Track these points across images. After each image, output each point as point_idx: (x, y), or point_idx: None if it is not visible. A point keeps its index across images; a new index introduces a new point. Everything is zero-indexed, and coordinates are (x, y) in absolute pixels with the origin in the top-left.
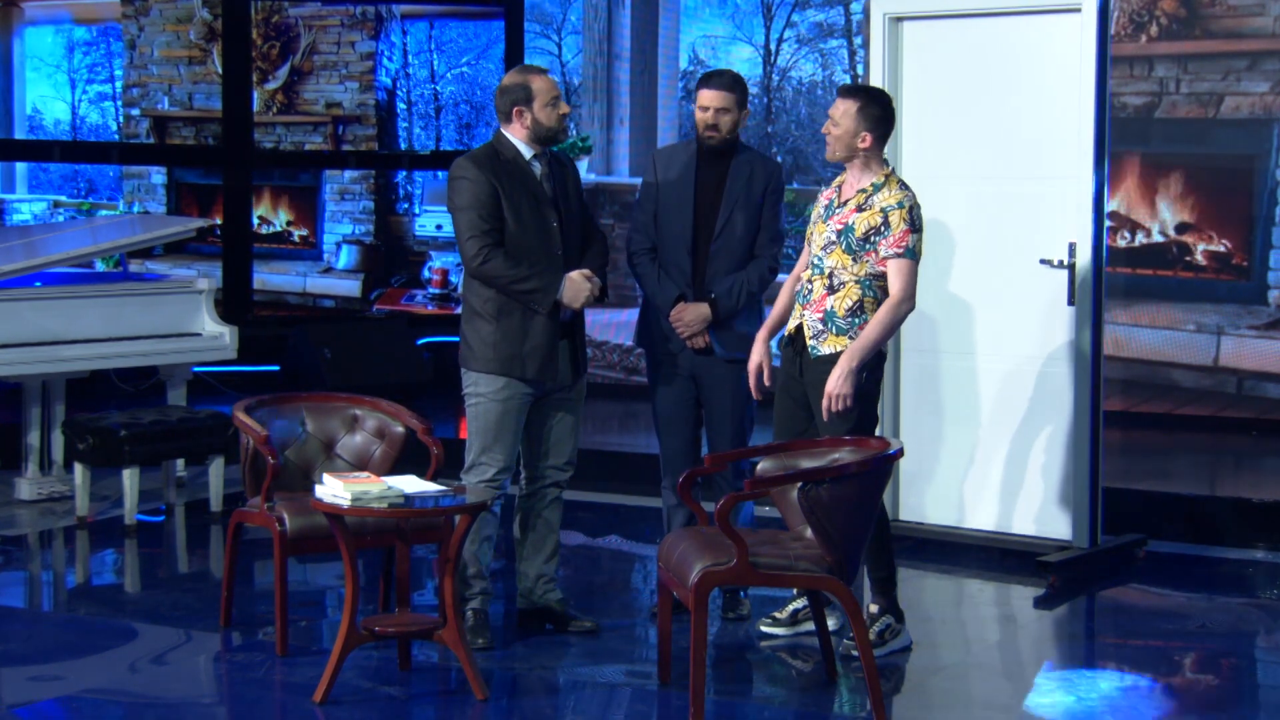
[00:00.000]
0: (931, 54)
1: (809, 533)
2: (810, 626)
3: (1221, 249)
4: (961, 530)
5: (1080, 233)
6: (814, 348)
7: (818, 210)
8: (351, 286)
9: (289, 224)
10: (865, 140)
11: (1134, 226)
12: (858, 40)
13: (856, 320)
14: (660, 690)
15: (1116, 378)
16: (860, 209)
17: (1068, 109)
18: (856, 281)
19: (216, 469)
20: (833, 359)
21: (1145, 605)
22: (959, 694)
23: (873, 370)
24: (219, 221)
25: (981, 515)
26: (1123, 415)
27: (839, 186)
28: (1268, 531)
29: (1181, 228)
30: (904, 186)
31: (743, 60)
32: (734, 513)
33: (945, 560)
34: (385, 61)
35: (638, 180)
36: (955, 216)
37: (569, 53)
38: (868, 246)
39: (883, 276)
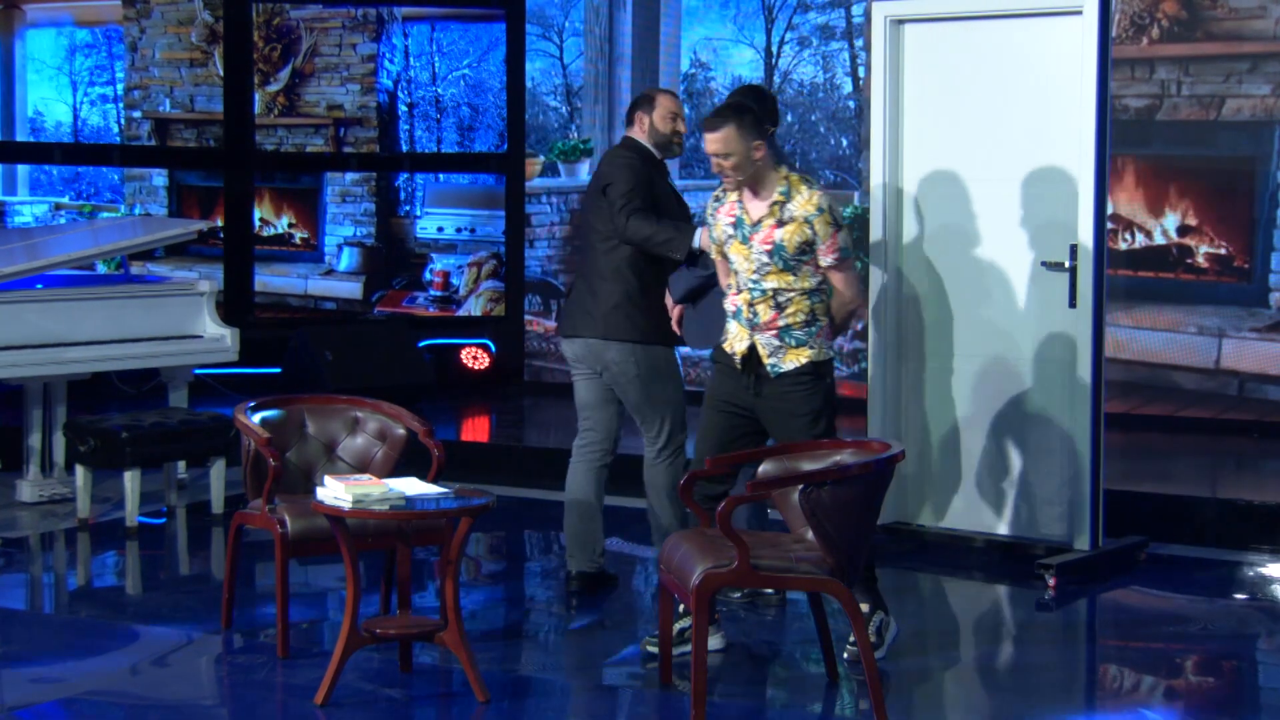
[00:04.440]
0: (933, 56)
1: (810, 535)
2: (688, 648)
3: (1223, 251)
4: (963, 532)
5: (1081, 235)
6: (774, 365)
7: (720, 229)
8: (353, 289)
9: (290, 226)
10: (759, 150)
11: (1135, 229)
12: (859, 43)
13: (813, 329)
14: (662, 692)
15: (1118, 380)
16: (781, 223)
17: (1069, 111)
18: (802, 294)
19: (218, 471)
20: (796, 373)
21: (1146, 608)
22: (961, 697)
23: (833, 376)
24: (220, 224)
25: (982, 517)
26: (1124, 417)
27: (738, 202)
28: (1269, 534)
29: (1183, 230)
30: (809, 184)
31: (744, 63)
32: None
33: (946, 563)
34: (386, 64)
35: None
36: (956, 219)
37: (570, 55)
38: (804, 259)
39: (824, 283)
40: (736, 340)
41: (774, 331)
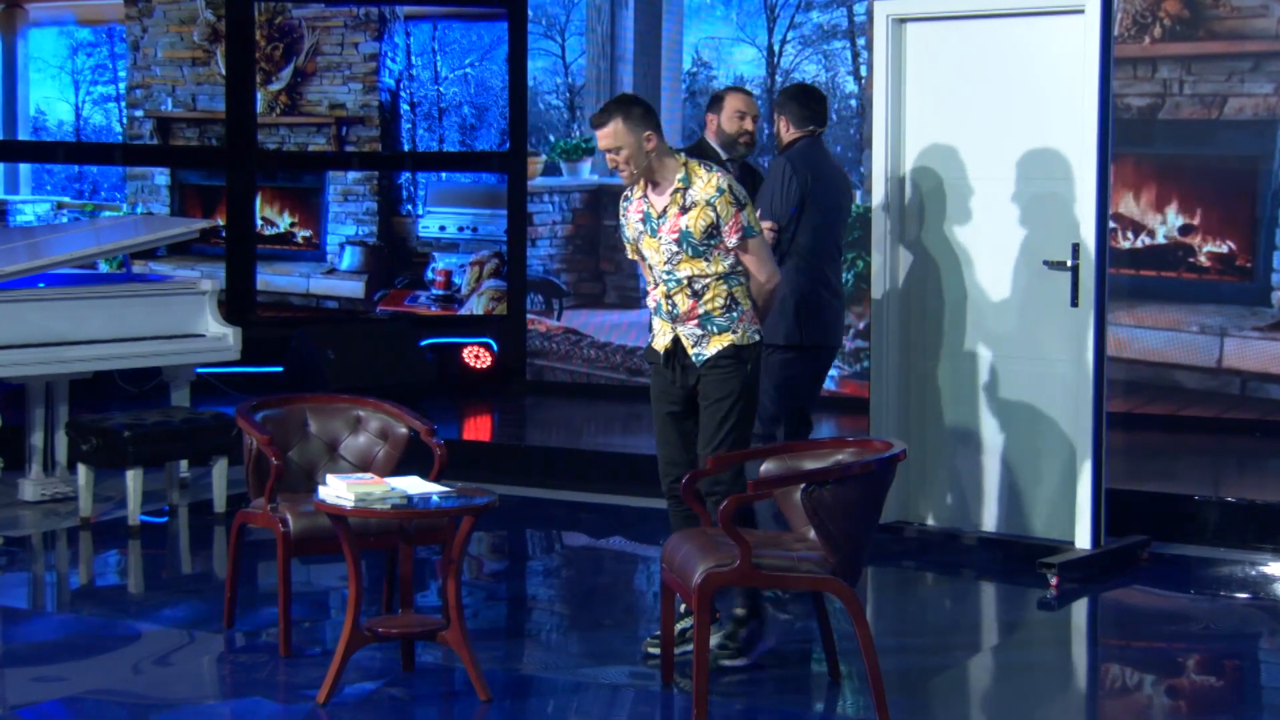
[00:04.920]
0: (935, 55)
1: (812, 534)
2: (689, 648)
3: (1225, 250)
4: (964, 531)
5: (1084, 234)
6: (699, 354)
7: (632, 227)
8: (355, 288)
9: (292, 225)
10: (651, 141)
11: (1137, 228)
12: (861, 42)
13: (734, 313)
14: (663, 691)
15: (1120, 379)
16: (685, 210)
17: (1071, 110)
18: (719, 279)
19: (220, 470)
20: (717, 356)
21: (1149, 607)
22: (962, 696)
23: (758, 363)
24: (222, 222)
25: (985, 516)
26: (1126, 417)
27: (644, 197)
28: (1271, 533)
29: (1185, 229)
30: (708, 168)
31: (746, 62)
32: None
33: (948, 561)
34: (388, 63)
35: None
36: (959, 218)
37: (572, 54)
38: (713, 243)
39: (738, 265)
40: (660, 335)
41: (695, 321)
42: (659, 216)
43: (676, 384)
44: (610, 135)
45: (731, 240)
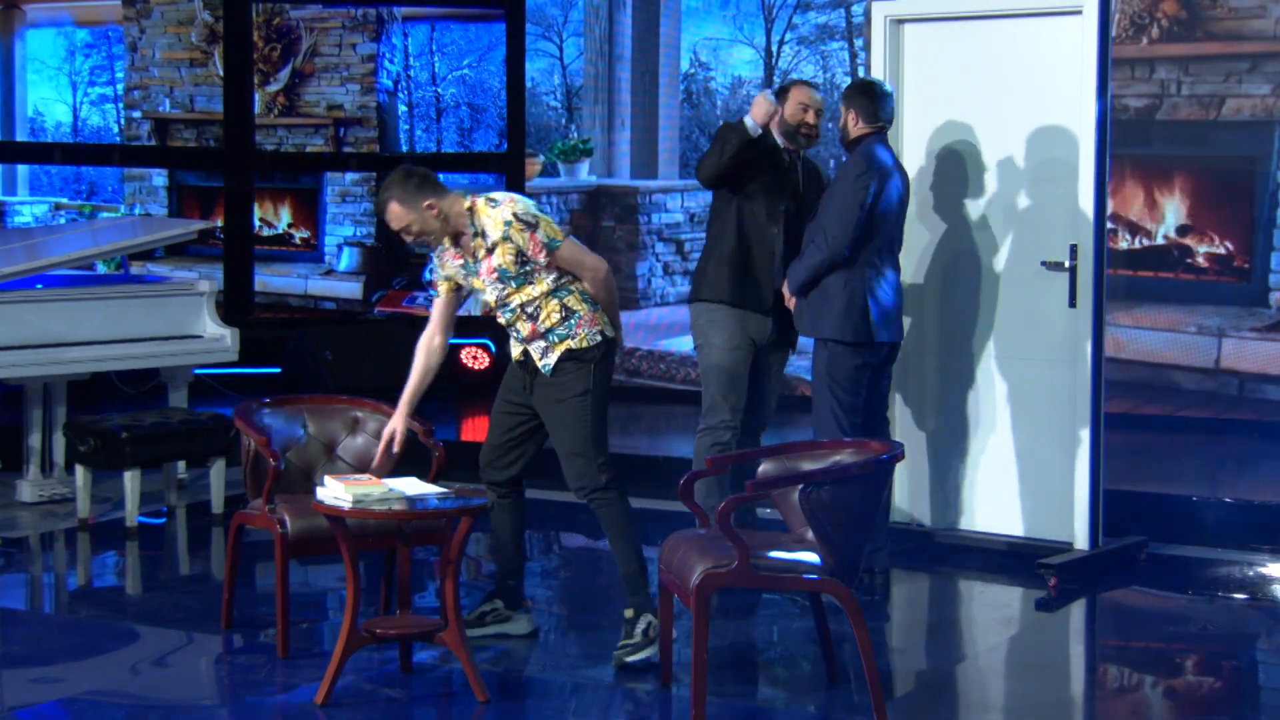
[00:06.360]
0: (933, 56)
1: (810, 534)
2: (493, 630)
3: (1222, 251)
4: (962, 532)
5: (1081, 235)
6: (546, 365)
7: (452, 269)
8: (353, 288)
9: (290, 226)
10: (433, 208)
11: (1135, 229)
12: (859, 42)
13: (571, 321)
14: (662, 692)
15: (1118, 380)
16: (490, 250)
17: (1069, 111)
18: (548, 296)
19: (218, 471)
20: (561, 360)
21: (1146, 607)
22: (960, 696)
23: (605, 361)
24: (220, 224)
25: (982, 517)
26: (1124, 417)
27: (452, 247)
28: (1269, 534)
29: (1183, 230)
30: (492, 204)
31: (744, 63)
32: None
33: (946, 562)
34: (386, 64)
35: (639, 183)
36: (957, 219)
37: (570, 55)
38: (528, 268)
39: (563, 276)
40: (514, 348)
41: (539, 339)
42: (475, 262)
43: (526, 387)
44: (394, 219)
45: (541, 260)
